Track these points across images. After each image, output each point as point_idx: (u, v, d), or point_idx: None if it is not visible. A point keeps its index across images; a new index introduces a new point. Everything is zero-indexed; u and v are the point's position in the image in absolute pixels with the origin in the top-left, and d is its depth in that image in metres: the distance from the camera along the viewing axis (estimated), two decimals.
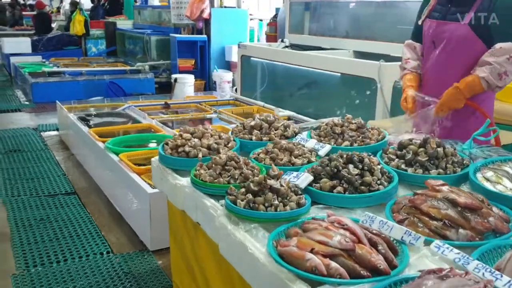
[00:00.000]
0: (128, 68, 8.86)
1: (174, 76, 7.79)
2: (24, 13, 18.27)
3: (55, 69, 8.56)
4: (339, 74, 4.34)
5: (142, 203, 2.96)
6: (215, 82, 8.58)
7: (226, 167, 2.00)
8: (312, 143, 2.30)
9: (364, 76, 3.88)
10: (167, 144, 2.39)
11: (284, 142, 2.25)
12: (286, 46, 5.80)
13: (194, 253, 2.24)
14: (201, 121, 4.86)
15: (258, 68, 5.55)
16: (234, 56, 8.48)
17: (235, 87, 6.29)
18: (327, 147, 2.23)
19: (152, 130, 4.35)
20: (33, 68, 8.78)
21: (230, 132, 2.63)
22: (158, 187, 2.41)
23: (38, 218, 3.36)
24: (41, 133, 5.71)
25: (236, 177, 1.95)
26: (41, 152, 4.88)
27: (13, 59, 10.03)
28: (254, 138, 2.45)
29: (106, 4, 13.53)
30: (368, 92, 3.92)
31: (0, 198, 3.68)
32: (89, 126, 4.47)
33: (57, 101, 5.55)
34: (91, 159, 4.16)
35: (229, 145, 2.35)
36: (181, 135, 2.37)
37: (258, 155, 2.23)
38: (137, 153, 3.51)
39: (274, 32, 6.52)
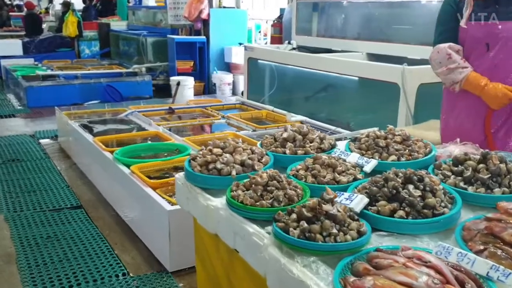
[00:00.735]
0: (124, 70, 8.61)
1: (174, 78, 7.57)
2: (11, 13, 17.88)
3: (49, 72, 8.28)
4: (356, 78, 4.16)
5: (160, 220, 2.75)
6: (214, 84, 8.38)
7: (268, 188, 1.81)
8: (354, 157, 2.11)
9: (386, 80, 3.70)
10: (194, 159, 2.19)
11: (325, 156, 2.06)
12: (293, 48, 5.61)
13: (228, 281, 2.04)
14: (209, 127, 4.65)
15: (266, 71, 5.35)
16: (234, 58, 8.29)
17: (241, 90, 6.08)
18: (373, 162, 2.04)
19: (160, 137, 4.13)
20: (26, 71, 8.49)
21: (259, 144, 2.43)
22: (183, 206, 2.20)
23: (44, 235, 3.13)
24: (39, 140, 5.45)
25: (280, 199, 1.75)
26: (41, 162, 4.63)
27: (3, 62, 9.73)
28: (288, 151, 2.26)
29: (98, 4, 13.24)
30: (389, 97, 3.74)
31: (1, 214, 3.44)
32: (93, 134, 4.24)
33: (55, 108, 5.31)
34: (97, 170, 3.93)
35: (263, 160, 2.15)
36: (210, 150, 2.17)
37: (298, 171, 2.03)
38: (149, 165, 3.29)
39: (279, 34, 6.32)
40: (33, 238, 3.09)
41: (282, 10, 6.60)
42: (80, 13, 11.28)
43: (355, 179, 1.96)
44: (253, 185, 1.82)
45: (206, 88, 8.50)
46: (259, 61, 5.39)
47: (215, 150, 2.14)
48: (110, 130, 4.42)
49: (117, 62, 10.05)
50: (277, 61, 5.10)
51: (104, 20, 11.51)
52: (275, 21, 6.56)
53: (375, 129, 2.43)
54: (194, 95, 7.83)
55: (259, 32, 10.56)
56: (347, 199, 1.71)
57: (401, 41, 4.42)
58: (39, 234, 3.15)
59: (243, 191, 1.84)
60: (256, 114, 5.03)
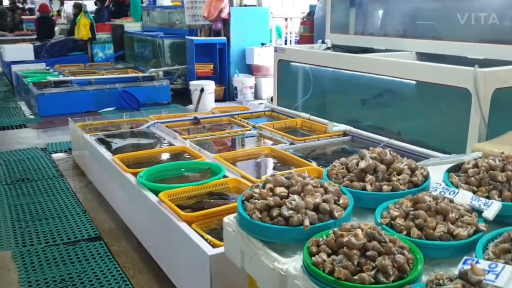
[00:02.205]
0: (140, 74, 8.14)
1: (195, 83, 7.08)
2: (23, 17, 17.56)
3: (61, 78, 7.84)
4: (411, 81, 3.62)
5: (199, 265, 2.24)
6: (235, 88, 7.89)
7: (366, 252, 1.29)
8: (465, 197, 1.59)
9: (453, 85, 3.16)
10: (248, 200, 1.69)
11: (428, 198, 1.54)
12: (328, 48, 5.07)
13: None
14: (240, 139, 4.14)
15: (299, 74, 4.82)
16: (256, 59, 7.79)
17: (264, 94, 5.56)
18: (495, 205, 1.51)
19: (187, 153, 3.63)
20: (37, 77, 8.06)
21: (324, 174, 1.92)
22: (236, 262, 1.69)
23: (58, 278, 2.64)
24: (51, 154, 4.99)
25: (389, 271, 1.24)
26: (54, 181, 4.16)
27: (14, 67, 9.32)
28: (369, 187, 1.74)
29: (111, 5, 12.80)
30: (457, 105, 3.20)
31: (9, 250, 2.96)
32: (111, 151, 3.76)
33: (69, 119, 4.84)
34: (118, 194, 3.44)
35: (341, 201, 1.64)
36: (271, 190, 1.65)
37: (393, 219, 1.52)
38: (180, 191, 2.78)
39: (309, 32, 5.79)
40: (44, 283, 2.60)
41: (312, 7, 6.07)
42: (92, 15, 10.85)
43: (476, 231, 1.44)
44: (344, 248, 1.30)
45: (227, 92, 8.01)
46: (291, 63, 4.86)
47: (279, 190, 1.62)
48: (130, 146, 3.93)
49: (132, 65, 9.59)
50: (313, 63, 4.57)
51: (117, 21, 11.06)
52: (305, 19, 6.02)
53: (478, 154, 1.89)
54: (215, 100, 7.36)
55: (281, 32, 10.06)
56: (488, 271, 1.19)
57: (458, 38, 3.86)
58: (52, 276, 2.66)
59: (328, 255, 1.32)
60: (290, 123, 4.50)
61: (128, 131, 4.39)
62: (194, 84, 7.28)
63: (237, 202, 1.69)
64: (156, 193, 2.82)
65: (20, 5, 22.31)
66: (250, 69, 8.04)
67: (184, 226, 2.41)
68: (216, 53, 7.88)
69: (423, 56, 4.20)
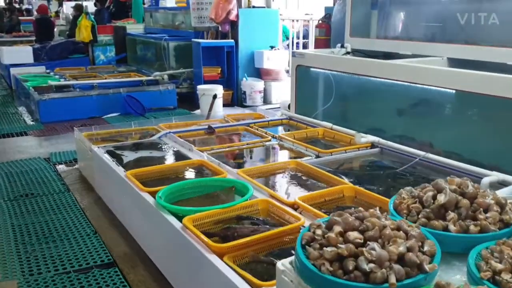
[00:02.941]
0: (144, 78, 7.85)
1: (203, 87, 6.81)
2: (20, 18, 17.23)
3: (62, 82, 7.54)
4: (450, 90, 3.35)
5: None
6: (244, 93, 7.62)
7: None
8: None
9: (503, 96, 2.89)
10: (311, 244, 1.41)
11: None
12: (348, 52, 4.80)
13: None
14: (261, 151, 3.86)
15: (319, 80, 4.54)
16: (265, 63, 7.53)
17: (288, 103, 5.29)
18: None
19: (206, 168, 3.35)
20: (37, 81, 7.77)
21: (391, 208, 1.65)
22: None
23: None
24: (56, 165, 4.70)
25: None
26: (60, 196, 3.87)
27: (13, 71, 9.03)
28: (453, 227, 1.46)
29: (111, 7, 12.51)
30: (506, 116, 2.94)
31: (15, 280, 2.67)
32: (123, 165, 3.47)
33: (74, 128, 4.55)
34: (132, 214, 3.16)
35: (426, 248, 1.36)
36: (341, 234, 1.37)
37: (498, 274, 1.24)
38: (205, 215, 2.50)
39: (325, 36, 5.51)
40: None
41: (328, 9, 5.79)
42: (92, 16, 10.54)
43: None
44: None
45: (235, 97, 7.73)
46: (311, 69, 4.58)
47: (352, 235, 1.34)
48: (143, 159, 3.63)
49: (135, 68, 9.30)
50: (335, 69, 4.29)
51: (118, 23, 10.77)
52: (321, 21, 5.74)
53: None
54: (223, 105, 7.08)
55: (288, 33, 9.78)
56: None
57: (495, 42, 3.59)
58: None
59: None
60: (311, 133, 4.22)
61: (138, 142, 4.10)
62: (202, 89, 7.01)
63: (296, 247, 1.41)
64: (178, 216, 2.55)
65: (17, 6, 21.98)
66: (259, 73, 7.76)
67: (214, 259, 2.13)
68: (224, 56, 7.60)
69: (455, 62, 3.94)
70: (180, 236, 2.39)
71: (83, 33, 9.53)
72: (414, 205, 1.57)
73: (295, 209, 2.61)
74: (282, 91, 7.70)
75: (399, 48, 4.38)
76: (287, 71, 7.94)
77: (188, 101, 7.77)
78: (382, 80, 3.91)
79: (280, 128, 4.62)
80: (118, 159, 3.62)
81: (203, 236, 2.26)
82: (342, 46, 4.82)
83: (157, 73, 7.99)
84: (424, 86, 3.59)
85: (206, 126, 4.41)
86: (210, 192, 2.92)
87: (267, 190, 2.83)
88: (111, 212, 3.57)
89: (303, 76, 4.66)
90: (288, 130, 4.52)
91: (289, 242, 2.32)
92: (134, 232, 3.18)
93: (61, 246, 3.06)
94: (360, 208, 1.49)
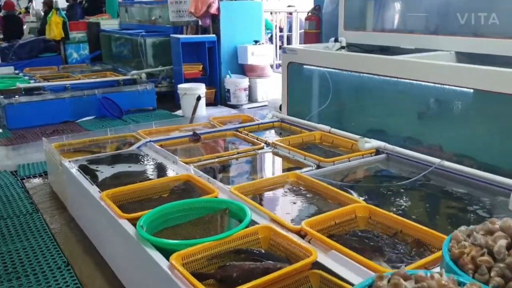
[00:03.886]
0: (121, 78, 7.34)
1: (184, 86, 6.38)
2: None
3: (32, 84, 6.99)
4: (465, 89, 2.99)
5: None
6: (228, 91, 7.20)
7: None
8: None
9: None
10: None
11: None
12: (342, 47, 4.42)
13: None
14: (258, 161, 3.45)
15: (314, 79, 4.15)
16: (250, 58, 7.12)
17: (277, 102, 4.89)
18: None
19: (193, 184, 2.93)
20: (5, 83, 7.18)
21: (446, 257, 1.26)
22: None
23: None
24: (23, 180, 4.22)
25: None
26: (27, 219, 3.41)
27: None
28: None
29: (84, 2, 11.90)
30: None
31: None
32: (98, 183, 3.03)
33: (43, 139, 4.07)
34: (110, 243, 2.73)
35: None
36: None
37: None
38: (197, 250, 2.08)
39: (315, 29, 5.12)
40: None
41: (317, 0, 5.39)
42: (64, 12, 9.95)
43: None
44: None
45: (218, 95, 7.30)
46: (304, 66, 4.18)
47: None
48: (121, 175, 3.19)
49: (111, 67, 8.78)
50: (332, 67, 3.90)
51: (92, 19, 10.20)
52: (310, 14, 5.34)
53: None
54: (206, 104, 6.67)
55: (271, 26, 9.37)
56: None
57: (510, 35, 3.25)
58: None
59: None
60: (307, 137, 3.83)
61: (115, 153, 3.65)
62: (183, 88, 6.58)
63: None
64: (163, 251, 2.13)
65: None
66: (243, 70, 7.34)
67: None
68: (205, 52, 7.17)
69: (463, 57, 3.58)
70: (168, 278, 1.97)
71: (54, 30, 8.97)
72: (482, 258, 1.19)
73: (302, 237, 2.22)
74: (268, 88, 7.30)
75: (400, 42, 4.01)
76: (278, 66, 7.54)
77: (168, 101, 7.32)
78: (385, 78, 3.53)
79: (272, 132, 4.22)
80: (92, 176, 3.17)
81: (195, 281, 1.84)
82: (336, 40, 4.43)
83: (135, 71, 7.49)
84: (432, 84, 3.23)
85: (191, 133, 3.98)
86: (200, 217, 2.51)
87: (267, 212, 2.43)
88: (86, 237, 3.12)
89: (295, 74, 4.26)
90: (281, 134, 4.13)
91: (300, 285, 1.93)
92: (112, 263, 2.74)
93: (27, 283, 2.61)
94: (422, 273, 1.09)
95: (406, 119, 3.52)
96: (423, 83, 3.27)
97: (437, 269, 1.49)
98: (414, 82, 3.34)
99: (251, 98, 7.28)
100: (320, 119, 4.10)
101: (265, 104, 7.05)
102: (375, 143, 3.38)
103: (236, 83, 7.09)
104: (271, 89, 7.29)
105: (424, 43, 3.82)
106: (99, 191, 2.84)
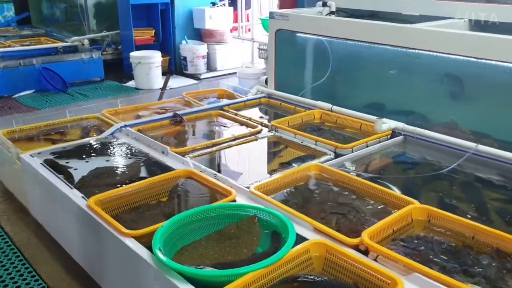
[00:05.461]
0: (60, 44, 6.46)
1: (136, 55, 5.70)
2: None
3: None
4: (483, 60, 2.66)
5: None
6: (184, 58, 6.57)
7: None
8: None
9: None
10: None
11: None
12: (331, 12, 3.98)
13: None
14: (261, 148, 2.97)
15: (308, 49, 3.68)
16: (207, 23, 6.51)
17: (264, 77, 4.39)
18: None
19: (197, 183, 2.43)
20: None
21: None
22: None
23: None
24: None
25: None
26: None
27: None
28: None
29: None
30: None
31: None
32: (76, 185, 2.43)
33: None
34: (111, 268, 2.17)
35: None
36: None
37: None
38: (242, 284, 1.62)
39: None
40: None
41: None
42: None
43: None
44: None
45: (172, 63, 6.63)
46: (297, 34, 3.69)
47: None
48: (102, 173, 2.58)
49: (43, 31, 7.77)
50: (331, 35, 3.44)
51: None
52: None
53: None
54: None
55: None
56: None
57: None
58: None
59: None
60: (306, 117, 3.40)
61: (84, 142, 3.02)
62: (137, 57, 5.90)
63: None
64: (193, 280, 1.65)
65: None
66: (199, 35, 6.70)
67: None
68: (158, 16, 6.44)
69: (477, 25, 3.27)
70: None
71: None
72: None
73: (365, 253, 1.81)
74: (229, 56, 6.73)
75: (402, 8, 3.63)
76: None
77: (115, 71, 6.56)
78: (393, 48, 3.15)
79: (262, 111, 3.74)
80: (66, 175, 2.56)
81: None
82: (324, 5, 3.98)
83: (75, 37, 6.61)
84: (446, 55, 2.89)
85: (171, 114, 3.41)
86: (222, 228, 2.03)
87: (312, 222, 1.99)
88: (63, 251, 2.54)
89: (285, 44, 3.77)
90: (271, 113, 3.67)
91: None
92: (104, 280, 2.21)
93: None
94: None
95: (413, 93, 3.17)
96: (436, 54, 2.91)
97: None
98: (427, 52, 2.98)
99: (210, 67, 6.69)
100: (314, 95, 3.67)
101: (228, 73, 6.52)
102: (391, 123, 3.01)
103: (193, 50, 6.45)
104: (231, 56, 6.73)
105: (429, 10, 3.46)
106: (82, 197, 2.27)
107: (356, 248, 1.85)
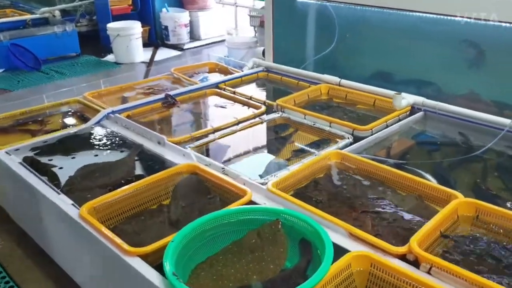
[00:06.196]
0: (28, 16, 5.95)
1: (113, 26, 5.25)
2: None
3: None
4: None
5: None
6: (165, 28, 6.13)
7: None
8: None
9: None
10: None
11: None
12: None
13: None
14: (268, 134, 2.66)
15: (310, 16, 3.33)
16: None
17: (262, 48, 4.02)
18: None
19: (205, 179, 2.12)
20: None
21: None
22: None
23: None
24: None
25: None
26: None
27: None
28: None
29: None
30: None
31: None
32: (63, 189, 2.10)
33: None
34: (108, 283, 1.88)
35: None
36: None
37: None
38: None
39: None
40: None
41: None
42: None
43: None
44: None
45: (153, 33, 6.18)
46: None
47: None
48: (90, 172, 2.24)
49: (8, 2, 7.17)
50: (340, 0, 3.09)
51: None
52: None
53: None
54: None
55: None
56: None
57: None
58: None
59: None
60: (313, 92, 3.08)
61: (67, 134, 2.66)
62: (115, 28, 5.46)
63: None
64: None
65: None
66: (180, 2, 6.23)
67: None
68: None
69: None
70: None
71: None
72: None
73: (414, 264, 1.55)
74: (212, 23, 6.30)
75: None
76: None
77: (92, 44, 6.08)
78: (404, 13, 2.82)
79: (261, 87, 3.41)
80: (50, 176, 2.22)
81: None
82: None
83: (45, 8, 6.09)
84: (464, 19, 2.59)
85: (163, 95, 3.05)
86: (241, 238, 1.74)
87: (343, 225, 1.70)
88: (51, 261, 2.22)
89: (285, 10, 3.40)
90: (274, 90, 3.34)
91: None
92: None
93: None
94: None
95: (426, 63, 2.87)
96: (452, 18, 2.61)
97: None
98: (443, 17, 2.68)
99: (193, 36, 6.26)
100: (318, 67, 3.35)
101: (218, 41, 6.12)
102: (410, 98, 2.72)
103: (175, 18, 6.00)
104: (215, 24, 6.30)
105: None
106: (72, 204, 1.94)
107: (403, 258, 1.58)
